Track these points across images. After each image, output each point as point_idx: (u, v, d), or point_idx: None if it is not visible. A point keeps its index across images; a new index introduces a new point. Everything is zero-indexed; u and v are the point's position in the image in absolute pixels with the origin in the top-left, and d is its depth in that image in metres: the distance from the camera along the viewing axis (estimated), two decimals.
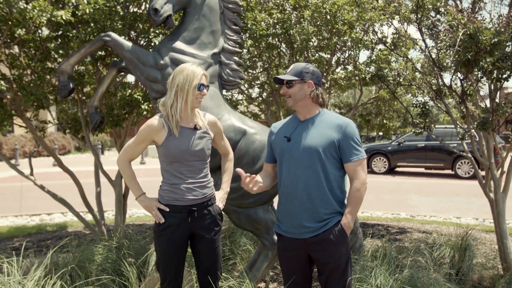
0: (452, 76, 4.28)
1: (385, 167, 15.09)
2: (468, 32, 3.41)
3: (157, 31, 4.71)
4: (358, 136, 2.48)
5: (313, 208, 2.44)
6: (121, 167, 2.68)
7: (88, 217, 6.93)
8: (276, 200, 2.89)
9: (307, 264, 2.56)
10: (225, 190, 2.87)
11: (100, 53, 4.64)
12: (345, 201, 2.53)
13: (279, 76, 2.55)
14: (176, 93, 2.57)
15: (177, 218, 2.62)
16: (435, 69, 4.29)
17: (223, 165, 2.94)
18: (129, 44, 3.61)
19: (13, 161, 17.95)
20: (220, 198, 2.81)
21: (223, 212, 2.93)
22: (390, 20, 5.13)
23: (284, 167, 2.52)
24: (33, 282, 3.01)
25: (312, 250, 2.49)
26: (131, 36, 4.69)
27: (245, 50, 5.62)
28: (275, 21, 5.19)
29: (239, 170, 2.49)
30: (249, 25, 4.91)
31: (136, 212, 8.26)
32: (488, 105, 4.06)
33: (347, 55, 5.78)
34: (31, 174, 5.20)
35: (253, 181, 2.47)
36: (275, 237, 3.08)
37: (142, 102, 4.70)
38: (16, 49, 4.67)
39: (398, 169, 15.91)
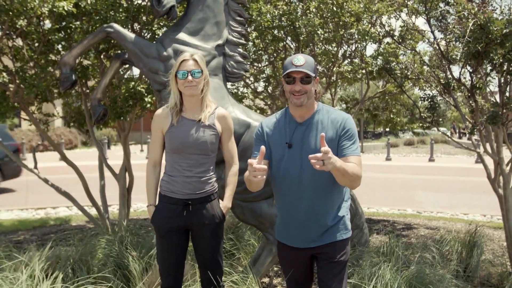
0: (461, 69, 4.19)
1: None
2: (479, 22, 3.32)
3: (160, 23, 4.66)
4: (355, 133, 2.31)
5: (320, 215, 2.32)
6: (146, 171, 2.70)
7: (93, 211, 6.91)
8: None
9: (308, 264, 2.48)
10: (227, 205, 2.72)
11: (103, 45, 4.59)
12: (347, 208, 2.44)
13: (305, 71, 2.20)
14: (171, 82, 2.59)
15: (171, 210, 2.58)
16: (444, 61, 4.20)
17: (226, 178, 2.77)
18: (132, 35, 3.57)
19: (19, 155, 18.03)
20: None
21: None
22: (398, 12, 5.03)
23: (287, 175, 2.33)
24: (27, 276, 2.93)
25: (315, 252, 2.41)
26: (135, 28, 4.64)
27: (250, 43, 5.55)
28: (281, 13, 5.11)
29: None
30: (254, 17, 4.83)
31: (141, 206, 8.24)
32: (498, 99, 3.97)
33: (354, 48, 5.69)
34: (35, 167, 5.18)
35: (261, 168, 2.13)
36: None
37: (146, 94, 4.65)
38: (19, 42, 4.64)
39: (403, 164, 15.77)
